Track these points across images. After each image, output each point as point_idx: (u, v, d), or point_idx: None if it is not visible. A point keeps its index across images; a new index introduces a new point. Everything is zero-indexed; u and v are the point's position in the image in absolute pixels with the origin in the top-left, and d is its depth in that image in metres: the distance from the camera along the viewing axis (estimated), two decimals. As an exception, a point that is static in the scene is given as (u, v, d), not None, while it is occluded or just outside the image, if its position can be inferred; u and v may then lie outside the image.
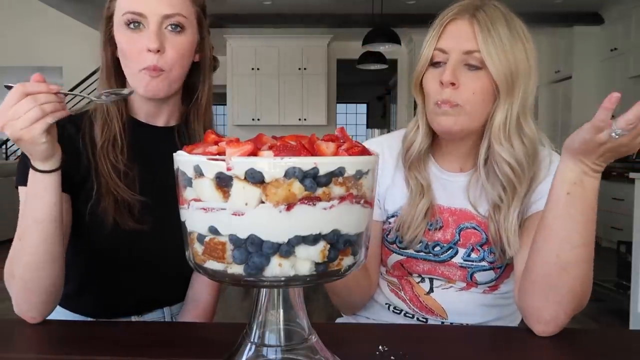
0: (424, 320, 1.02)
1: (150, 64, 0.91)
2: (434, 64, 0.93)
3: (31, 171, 0.78)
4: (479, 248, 0.97)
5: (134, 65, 0.93)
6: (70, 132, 0.96)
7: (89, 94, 0.83)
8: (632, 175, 2.93)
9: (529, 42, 0.92)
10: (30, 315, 0.86)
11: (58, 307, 1.04)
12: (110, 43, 0.98)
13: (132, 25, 0.92)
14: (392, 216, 1.02)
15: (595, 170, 0.74)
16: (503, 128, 0.91)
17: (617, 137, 0.67)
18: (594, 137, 0.69)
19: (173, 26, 0.93)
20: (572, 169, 0.75)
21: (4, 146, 9.10)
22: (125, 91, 0.84)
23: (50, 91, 0.72)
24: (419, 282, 1.02)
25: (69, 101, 6.79)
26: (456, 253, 0.98)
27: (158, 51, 0.91)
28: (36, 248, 0.81)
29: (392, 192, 1.02)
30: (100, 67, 1.00)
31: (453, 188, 1.00)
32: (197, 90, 1.04)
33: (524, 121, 0.92)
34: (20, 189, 0.89)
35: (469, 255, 0.97)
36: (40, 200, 0.79)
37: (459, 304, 1.00)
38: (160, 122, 1.04)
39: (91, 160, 0.95)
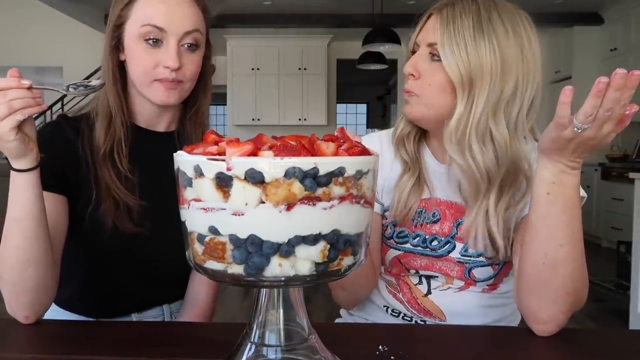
0: (422, 322, 1.02)
1: (168, 77, 0.92)
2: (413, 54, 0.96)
3: (11, 172, 0.77)
4: None
5: (149, 76, 0.93)
6: (69, 135, 0.96)
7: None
8: (632, 175, 2.93)
9: (512, 37, 0.87)
10: (23, 315, 0.84)
11: (58, 308, 1.04)
12: (116, 50, 0.97)
13: (151, 42, 0.92)
14: (387, 210, 1.03)
15: (572, 167, 0.74)
16: (455, 129, 0.88)
17: (580, 131, 0.67)
18: (560, 134, 0.69)
19: (189, 45, 0.94)
20: (550, 169, 0.75)
21: (4, 146, 9.06)
22: (96, 82, 0.79)
23: (21, 86, 0.70)
24: (416, 283, 1.02)
25: (69, 101, 6.81)
26: (454, 248, 0.98)
27: (177, 68, 0.92)
28: (17, 248, 0.79)
29: (389, 184, 1.03)
30: (102, 72, 0.98)
31: (446, 180, 1.00)
32: (196, 96, 1.04)
33: (494, 125, 0.87)
34: None
35: (466, 250, 0.97)
36: (18, 198, 0.78)
37: (457, 305, 1.00)
38: (160, 127, 1.05)
39: (90, 165, 0.95)
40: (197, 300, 1.08)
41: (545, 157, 0.74)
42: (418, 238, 1.00)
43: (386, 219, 1.03)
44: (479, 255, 0.97)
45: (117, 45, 0.96)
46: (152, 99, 0.96)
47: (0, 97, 0.69)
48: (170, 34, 0.91)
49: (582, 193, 0.90)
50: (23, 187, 0.77)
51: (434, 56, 0.90)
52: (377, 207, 1.03)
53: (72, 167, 0.94)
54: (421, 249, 1.00)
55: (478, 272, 0.97)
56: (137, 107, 1.01)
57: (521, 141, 0.90)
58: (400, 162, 1.02)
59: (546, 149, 0.73)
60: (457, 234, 0.98)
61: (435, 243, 0.99)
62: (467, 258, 0.97)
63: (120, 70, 0.98)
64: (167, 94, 0.94)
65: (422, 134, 1.03)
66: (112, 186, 0.94)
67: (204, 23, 0.98)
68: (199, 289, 1.08)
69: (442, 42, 0.87)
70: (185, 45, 0.93)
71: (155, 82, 0.93)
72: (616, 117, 0.66)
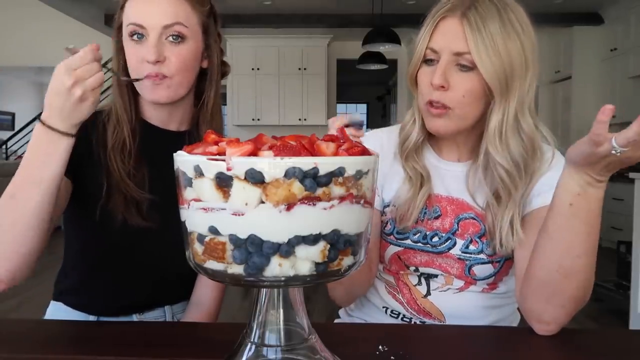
0: (422, 323, 1.02)
1: (152, 71, 0.94)
2: (426, 61, 0.92)
3: (50, 133, 0.79)
4: (477, 240, 0.97)
5: (138, 73, 0.96)
6: (87, 125, 0.97)
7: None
8: (632, 175, 2.93)
9: (525, 32, 0.89)
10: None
11: (59, 304, 1.05)
12: (121, 51, 1.00)
13: (135, 37, 0.95)
14: (387, 205, 1.02)
15: (599, 180, 0.72)
16: (499, 131, 0.89)
17: (618, 153, 0.65)
18: (594, 150, 0.67)
19: (173, 37, 0.95)
20: (576, 180, 0.73)
21: (4, 146, 9.09)
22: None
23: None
24: (415, 284, 1.02)
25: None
26: (454, 244, 0.97)
27: (158, 62, 0.93)
28: (32, 208, 0.80)
29: (390, 180, 1.02)
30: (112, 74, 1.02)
31: (451, 177, 1.00)
32: (203, 93, 1.06)
33: (522, 117, 0.90)
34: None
35: (467, 247, 0.97)
36: (50, 160, 0.80)
37: (457, 306, 0.99)
38: (172, 126, 1.06)
39: (102, 158, 0.98)
40: (202, 303, 1.08)
41: (573, 167, 0.73)
42: (419, 234, 0.99)
43: (386, 215, 1.02)
44: (479, 252, 0.96)
45: (121, 47, 1.00)
46: (145, 97, 0.99)
47: (97, 66, 0.79)
48: (150, 30, 0.94)
49: None
50: (63, 150, 0.81)
51: (463, 66, 0.88)
52: (377, 203, 1.02)
53: (85, 156, 0.96)
54: (421, 245, 0.99)
55: (478, 270, 0.97)
56: (147, 107, 1.04)
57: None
58: (412, 174, 0.99)
59: (576, 161, 0.72)
60: (458, 230, 0.98)
61: (435, 239, 0.98)
62: (468, 255, 0.97)
63: (127, 72, 1.00)
64: (153, 89, 0.96)
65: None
66: (120, 181, 0.96)
67: (194, 16, 0.98)
68: (205, 291, 1.09)
69: (477, 50, 0.85)
70: (170, 39, 0.95)
71: (145, 79, 0.95)
72: None
